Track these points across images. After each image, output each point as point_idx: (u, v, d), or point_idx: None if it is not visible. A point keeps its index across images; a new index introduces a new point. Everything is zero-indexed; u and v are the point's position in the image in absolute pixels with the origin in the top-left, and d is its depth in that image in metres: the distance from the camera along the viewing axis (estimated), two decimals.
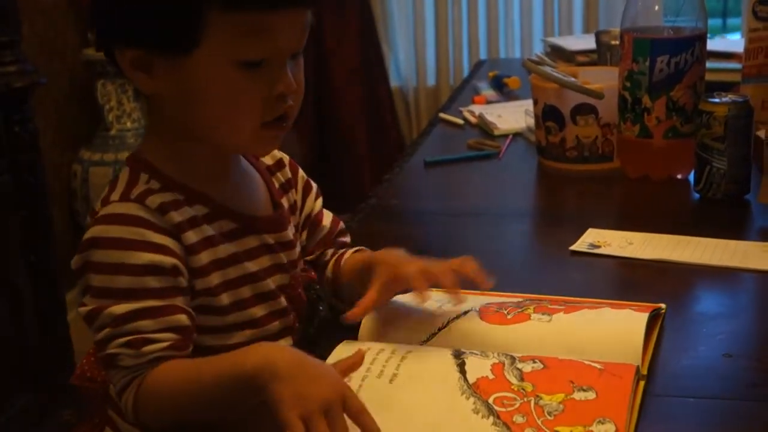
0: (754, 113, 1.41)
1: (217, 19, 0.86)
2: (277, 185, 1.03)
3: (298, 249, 1.03)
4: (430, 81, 3.59)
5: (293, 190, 1.06)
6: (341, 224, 1.12)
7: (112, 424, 0.97)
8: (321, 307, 1.04)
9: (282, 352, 0.81)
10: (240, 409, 0.83)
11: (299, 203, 1.07)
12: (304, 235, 1.08)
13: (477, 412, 0.83)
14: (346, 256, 1.08)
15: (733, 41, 2.32)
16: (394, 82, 3.60)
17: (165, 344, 0.86)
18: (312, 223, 1.08)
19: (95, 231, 0.88)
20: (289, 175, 1.06)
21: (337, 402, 0.77)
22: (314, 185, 1.10)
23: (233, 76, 0.88)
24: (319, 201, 1.09)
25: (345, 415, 0.78)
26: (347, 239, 1.12)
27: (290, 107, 0.93)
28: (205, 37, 0.86)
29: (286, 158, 1.07)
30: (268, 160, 1.04)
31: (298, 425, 0.75)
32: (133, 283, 0.86)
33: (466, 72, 3.33)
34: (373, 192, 1.57)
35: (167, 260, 0.88)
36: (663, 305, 1.02)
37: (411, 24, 3.55)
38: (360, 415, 0.79)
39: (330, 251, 1.10)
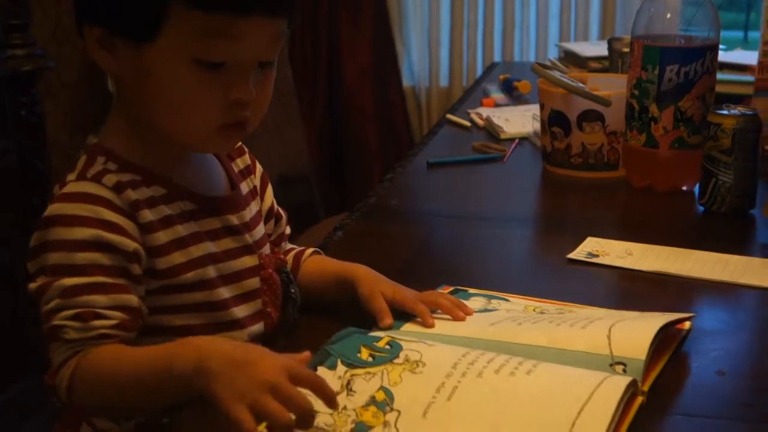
0: (763, 127, 1.39)
1: (180, 15, 0.85)
2: (236, 170, 1.04)
3: (261, 230, 1.03)
4: (443, 82, 3.57)
5: (252, 176, 1.06)
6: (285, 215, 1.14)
7: (89, 420, 0.96)
8: (293, 290, 1.03)
9: (213, 347, 0.79)
10: (176, 400, 0.82)
11: (260, 191, 1.07)
12: (270, 224, 1.09)
13: None
14: (305, 255, 1.10)
15: (750, 54, 2.29)
16: (406, 82, 3.58)
17: (114, 321, 0.86)
18: (275, 216, 1.10)
19: (52, 209, 0.88)
20: (248, 161, 1.07)
21: (280, 378, 0.75)
22: (267, 177, 1.10)
23: (189, 74, 0.87)
24: (271, 192, 1.10)
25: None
26: (288, 231, 1.14)
27: (246, 118, 0.92)
28: (166, 29, 0.86)
29: (244, 146, 1.07)
30: None
31: (245, 417, 0.72)
32: (86, 259, 0.86)
33: (479, 75, 3.31)
34: (373, 191, 1.56)
35: (120, 240, 0.87)
36: (687, 324, 1.00)
37: (426, 24, 3.52)
38: (312, 383, 0.76)
39: (283, 245, 1.12)
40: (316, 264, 1.10)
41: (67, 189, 0.89)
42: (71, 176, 0.91)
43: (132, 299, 0.87)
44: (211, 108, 0.89)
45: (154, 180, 0.92)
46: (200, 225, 0.95)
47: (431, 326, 0.97)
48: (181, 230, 0.92)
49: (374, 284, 1.01)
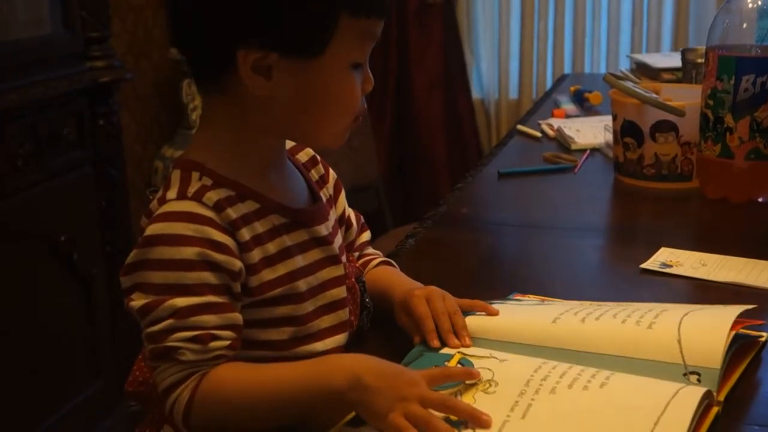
0: None
1: (346, 25, 0.89)
2: (313, 180, 1.05)
3: (340, 239, 1.04)
4: (513, 94, 3.56)
5: (327, 185, 1.07)
6: (362, 219, 1.14)
7: (171, 421, 0.97)
8: (367, 299, 1.04)
9: (363, 364, 0.84)
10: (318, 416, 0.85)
11: (333, 199, 1.08)
12: (341, 231, 1.09)
13: None
14: (369, 267, 1.11)
15: None
16: (475, 94, 3.58)
17: (227, 342, 0.87)
18: (346, 223, 1.10)
19: (155, 228, 0.88)
20: (323, 171, 1.07)
21: (426, 392, 0.82)
22: (341, 183, 1.11)
23: (348, 78, 0.93)
24: (344, 198, 1.11)
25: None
26: (368, 236, 1.14)
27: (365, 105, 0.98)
28: (333, 41, 0.90)
29: (317, 155, 1.08)
30: (303, 157, 1.05)
31: (405, 424, 0.79)
32: (197, 279, 0.86)
33: (549, 87, 3.30)
34: (444, 200, 1.56)
35: (226, 259, 0.88)
36: (765, 335, 0.98)
37: (495, 36, 3.52)
38: (445, 402, 0.83)
39: (356, 254, 1.12)
40: (374, 278, 1.09)
41: (169, 208, 0.89)
42: (171, 194, 0.90)
43: (238, 317, 0.88)
44: (357, 104, 0.95)
45: (247, 194, 0.93)
46: (291, 238, 0.95)
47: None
48: (271, 248, 0.93)
49: (407, 310, 1.01)
